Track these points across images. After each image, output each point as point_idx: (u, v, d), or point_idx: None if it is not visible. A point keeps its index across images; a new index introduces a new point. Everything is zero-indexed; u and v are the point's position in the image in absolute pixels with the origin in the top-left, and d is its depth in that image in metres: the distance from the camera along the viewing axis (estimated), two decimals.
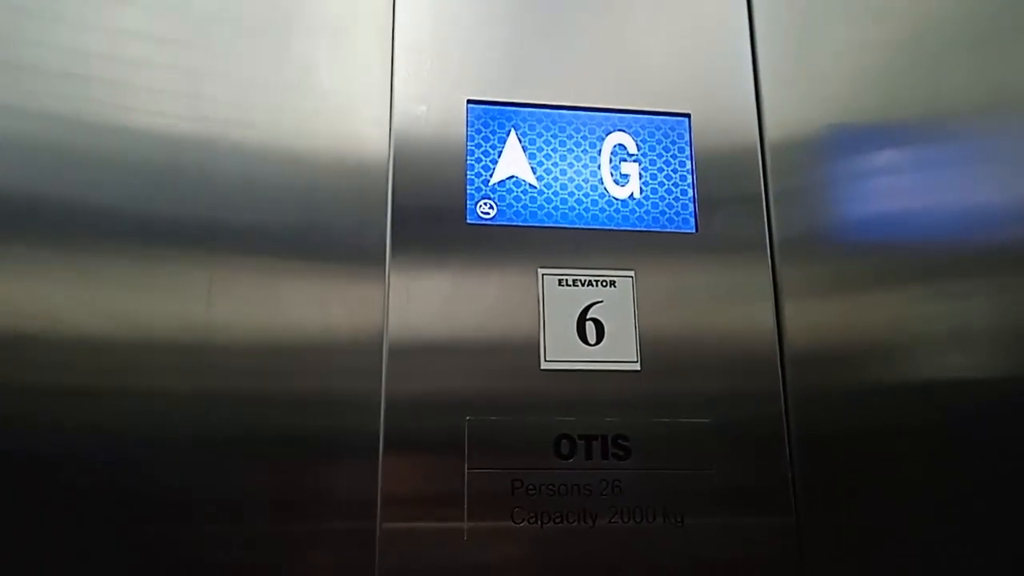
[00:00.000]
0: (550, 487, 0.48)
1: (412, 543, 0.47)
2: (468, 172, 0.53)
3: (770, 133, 0.58)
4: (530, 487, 0.48)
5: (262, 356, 0.49)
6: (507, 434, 0.49)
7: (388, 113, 0.54)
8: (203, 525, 0.47)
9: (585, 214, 0.54)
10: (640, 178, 0.55)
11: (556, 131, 0.55)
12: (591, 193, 0.54)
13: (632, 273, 0.53)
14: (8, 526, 0.45)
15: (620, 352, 0.51)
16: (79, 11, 0.53)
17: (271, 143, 0.53)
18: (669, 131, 0.56)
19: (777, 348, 0.53)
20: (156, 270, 0.49)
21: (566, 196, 0.54)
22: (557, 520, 0.48)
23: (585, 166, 0.55)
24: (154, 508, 0.46)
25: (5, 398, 0.46)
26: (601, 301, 0.52)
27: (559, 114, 0.55)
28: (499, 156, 0.54)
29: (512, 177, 0.54)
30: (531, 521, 0.48)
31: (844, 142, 0.59)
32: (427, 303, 0.51)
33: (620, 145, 0.55)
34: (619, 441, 0.50)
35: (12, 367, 0.47)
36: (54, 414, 0.46)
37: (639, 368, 0.51)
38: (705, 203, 0.55)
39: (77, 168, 0.50)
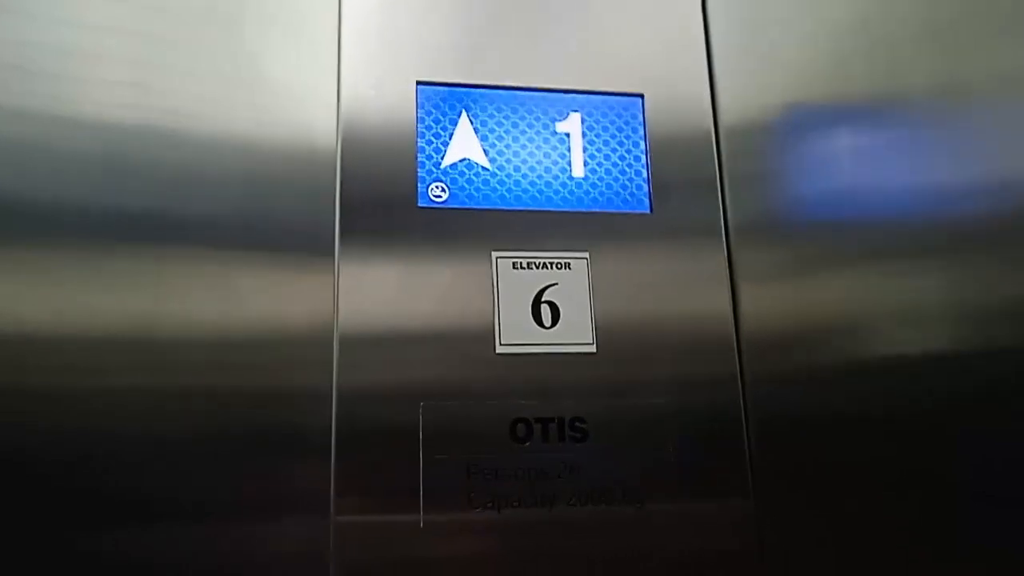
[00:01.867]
0: (507, 471, 0.48)
1: (367, 534, 0.46)
2: (419, 155, 0.52)
3: (724, 114, 0.58)
4: (487, 472, 0.47)
5: (212, 350, 0.48)
6: (462, 420, 0.48)
7: (336, 98, 0.53)
8: (154, 522, 0.45)
9: (539, 196, 0.53)
10: (594, 159, 0.54)
11: (508, 112, 0.54)
12: (545, 175, 0.53)
13: (587, 255, 0.52)
14: None
15: (575, 335, 0.51)
16: (25, 3, 0.51)
17: (219, 132, 0.51)
18: (622, 111, 0.56)
19: (733, 330, 0.53)
20: (102, 264, 0.48)
21: (519, 178, 0.53)
22: (515, 505, 0.47)
23: (538, 147, 0.54)
24: (104, 506, 0.45)
25: None
26: (556, 284, 0.51)
27: (511, 95, 0.54)
28: (450, 138, 0.53)
29: (464, 160, 0.53)
30: (488, 507, 0.47)
31: (798, 123, 0.59)
32: (378, 290, 0.50)
33: (573, 126, 0.55)
34: (576, 423, 0.49)
35: None
36: None
37: (595, 351, 0.51)
38: (659, 183, 0.55)
39: (20, 161, 0.48)
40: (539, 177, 0.53)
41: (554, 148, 0.54)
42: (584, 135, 0.55)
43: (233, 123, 0.52)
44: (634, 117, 0.56)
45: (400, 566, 0.46)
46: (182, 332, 0.48)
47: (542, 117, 0.55)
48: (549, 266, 0.52)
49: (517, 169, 0.53)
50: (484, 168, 0.53)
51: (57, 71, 0.50)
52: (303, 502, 0.47)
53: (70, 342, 0.46)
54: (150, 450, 0.46)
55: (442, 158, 0.52)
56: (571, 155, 0.54)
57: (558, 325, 0.51)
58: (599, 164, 0.54)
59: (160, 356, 0.47)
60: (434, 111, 0.53)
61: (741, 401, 0.52)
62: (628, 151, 0.55)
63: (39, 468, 0.44)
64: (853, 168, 0.59)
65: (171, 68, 0.52)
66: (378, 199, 0.51)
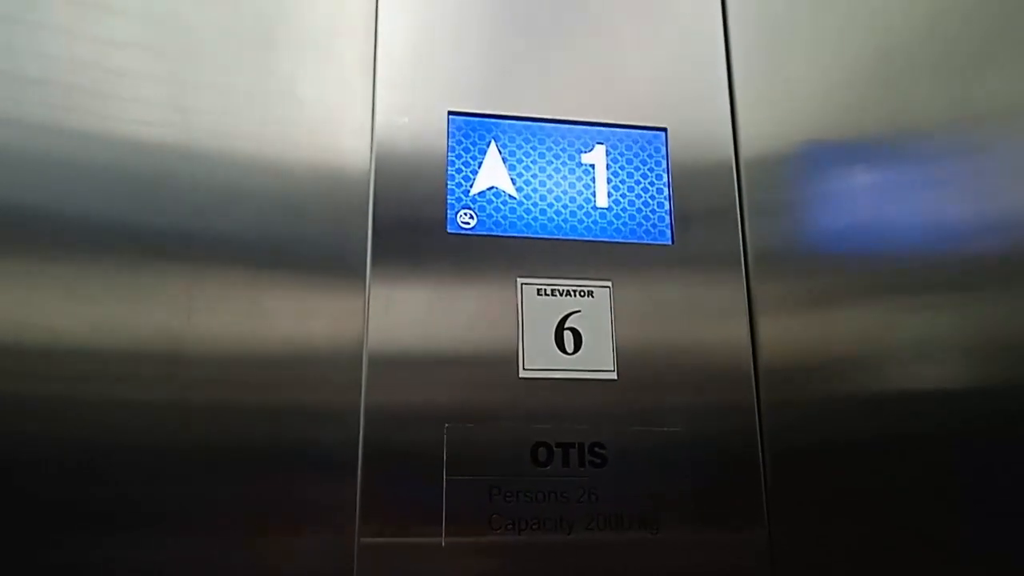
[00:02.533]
0: (528, 494, 0.49)
1: (390, 552, 0.47)
2: (449, 182, 0.54)
3: (745, 148, 0.59)
4: (508, 494, 0.48)
5: (242, 367, 0.49)
6: (485, 442, 0.49)
7: (370, 123, 0.54)
8: (180, 537, 0.46)
9: (564, 225, 0.54)
10: (618, 190, 0.56)
11: (536, 143, 0.56)
12: (570, 204, 0.55)
13: (609, 283, 0.54)
14: None
15: (597, 361, 0.52)
16: (65, 19, 0.53)
17: (254, 153, 0.53)
18: (646, 145, 0.57)
19: (751, 360, 0.54)
20: (136, 279, 0.49)
21: (545, 207, 0.55)
22: (534, 527, 0.48)
23: (564, 178, 0.55)
24: (131, 519, 0.46)
25: None
26: (579, 311, 0.53)
27: (539, 126, 0.56)
28: (479, 167, 0.54)
29: (492, 188, 0.54)
30: (508, 528, 0.48)
31: (817, 158, 0.60)
32: (407, 312, 0.51)
33: (598, 157, 0.56)
34: (595, 449, 0.50)
35: None
36: (30, 423, 0.46)
37: (615, 377, 0.52)
38: (681, 216, 0.56)
39: (58, 177, 0.50)
40: (564, 206, 0.55)
41: (579, 179, 0.56)
42: (608, 167, 0.56)
43: (266, 144, 0.53)
44: (657, 150, 0.57)
45: None
46: (213, 348, 0.49)
47: (568, 148, 0.56)
48: (572, 293, 0.53)
49: (543, 198, 0.55)
50: (511, 196, 0.54)
51: (93, 88, 0.52)
52: (328, 520, 0.48)
53: (103, 355, 0.48)
54: (176, 464, 0.47)
55: (471, 186, 0.54)
56: (596, 186, 0.56)
57: (580, 351, 0.52)
58: (623, 195, 0.56)
59: (188, 372, 0.48)
60: (464, 140, 0.55)
61: (757, 430, 0.53)
62: (651, 183, 0.57)
63: (67, 478, 0.46)
64: (871, 202, 0.60)
65: (206, 88, 0.53)
66: (409, 224, 0.53)
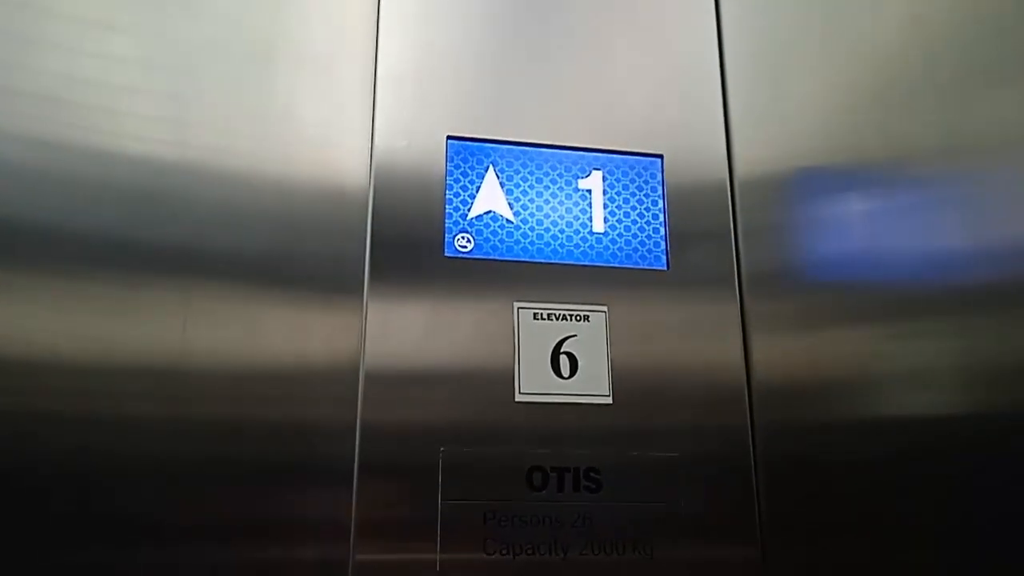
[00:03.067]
0: (522, 519, 0.49)
1: (385, 570, 0.47)
2: (447, 206, 0.54)
3: (740, 174, 0.60)
4: (503, 519, 0.49)
5: (237, 383, 0.49)
6: (480, 465, 0.49)
7: (369, 145, 0.55)
8: (175, 552, 0.46)
9: (560, 250, 0.55)
10: (614, 215, 0.57)
11: (533, 168, 0.56)
12: (566, 229, 0.56)
13: (605, 308, 0.54)
14: None
15: (592, 385, 0.52)
16: (65, 36, 0.53)
17: (252, 171, 0.53)
18: (643, 171, 0.58)
19: (745, 383, 0.55)
20: (133, 295, 0.49)
21: (542, 232, 0.55)
22: (529, 552, 0.49)
23: (561, 203, 0.56)
24: (126, 534, 0.46)
25: None
26: (575, 335, 0.53)
27: (537, 152, 0.57)
28: (477, 191, 0.55)
29: (490, 212, 0.55)
30: (503, 553, 0.48)
31: (812, 183, 0.61)
32: (404, 333, 0.51)
33: (595, 183, 0.57)
34: (590, 474, 0.51)
35: None
36: (26, 438, 0.46)
37: (611, 401, 0.52)
38: (676, 241, 0.57)
39: (57, 192, 0.50)
40: (561, 231, 0.55)
41: (576, 204, 0.56)
42: (605, 192, 0.57)
43: (266, 163, 0.54)
44: (653, 176, 0.58)
45: None
46: (209, 364, 0.49)
47: (565, 174, 0.57)
48: (569, 317, 0.53)
49: (540, 223, 0.55)
50: (509, 221, 0.55)
51: (96, 105, 0.52)
52: (323, 537, 0.48)
53: (99, 371, 0.48)
54: (172, 480, 0.47)
55: (468, 210, 0.55)
56: (592, 211, 0.56)
57: (576, 376, 0.52)
58: (619, 221, 0.56)
59: (186, 387, 0.49)
60: (463, 164, 0.55)
61: (751, 452, 0.54)
62: (647, 209, 0.57)
63: (63, 492, 0.46)
64: (865, 227, 0.61)
65: (205, 105, 0.54)
66: (407, 245, 0.53)
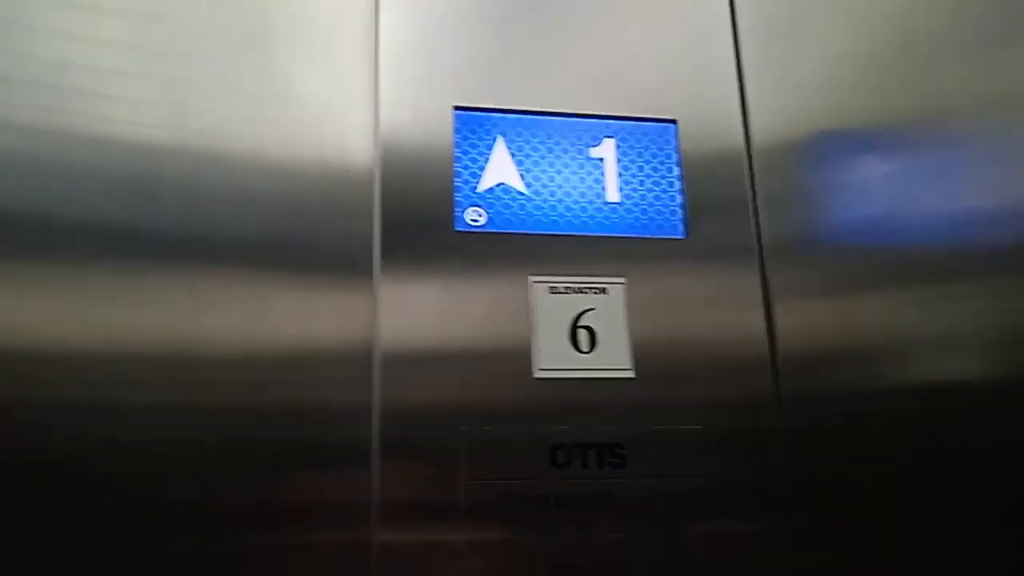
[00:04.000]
0: (547, 497, 0.48)
1: (408, 556, 0.46)
2: (455, 179, 0.52)
3: (756, 138, 0.58)
4: (526, 497, 0.47)
5: (248, 368, 0.48)
6: (502, 444, 0.48)
7: (373, 121, 0.53)
8: (191, 539, 0.45)
9: (575, 221, 0.53)
10: (628, 184, 0.55)
11: (544, 137, 0.55)
12: (580, 200, 0.54)
13: (623, 280, 0.53)
14: None
15: (613, 359, 0.51)
16: (59, 21, 0.51)
17: (254, 153, 0.52)
18: (656, 137, 0.56)
19: (769, 352, 0.53)
20: (139, 283, 0.48)
21: (555, 203, 0.53)
22: (554, 530, 0.47)
23: (574, 172, 0.54)
24: (140, 522, 0.45)
25: None
26: (593, 308, 0.51)
27: (547, 120, 0.55)
28: (487, 163, 0.53)
29: (500, 184, 0.53)
30: (528, 532, 0.47)
31: (830, 146, 0.60)
32: (418, 312, 0.50)
33: (608, 151, 0.55)
34: (615, 449, 0.49)
35: None
36: (34, 430, 0.45)
37: (633, 375, 0.51)
38: (693, 208, 0.55)
39: (57, 180, 0.49)
40: (575, 202, 0.54)
41: (589, 173, 0.55)
42: (619, 160, 0.55)
43: (267, 144, 0.52)
44: (668, 142, 0.56)
45: None
46: (218, 350, 0.48)
47: (577, 142, 0.55)
48: (586, 290, 0.52)
49: (553, 194, 0.54)
50: (520, 193, 0.53)
51: (91, 90, 0.51)
52: (344, 521, 0.47)
53: (106, 360, 0.47)
54: (188, 467, 0.46)
55: (478, 183, 0.53)
56: (606, 180, 0.55)
57: (596, 349, 0.51)
58: (634, 189, 0.55)
59: (196, 374, 0.47)
60: (471, 136, 0.54)
61: (779, 422, 0.52)
62: (662, 176, 0.55)
63: (70, 483, 0.45)
64: (887, 191, 0.59)
65: (205, 89, 0.52)
66: (416, 222, 0.51)
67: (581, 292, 0.52)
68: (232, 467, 0.46)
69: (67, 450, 0.45)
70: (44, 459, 0.45)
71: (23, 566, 0.44)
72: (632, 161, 0.55)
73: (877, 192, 0.59)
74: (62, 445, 0.45)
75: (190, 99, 0.52)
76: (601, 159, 0.55)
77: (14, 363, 0.46)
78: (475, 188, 0.53)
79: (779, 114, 0.59)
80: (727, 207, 0.56)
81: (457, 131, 0.53)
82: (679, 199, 0.55)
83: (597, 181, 0.54)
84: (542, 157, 0.54)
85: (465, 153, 0.53)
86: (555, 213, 0.53)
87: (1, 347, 0.46)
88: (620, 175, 0.55)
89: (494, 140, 0.54)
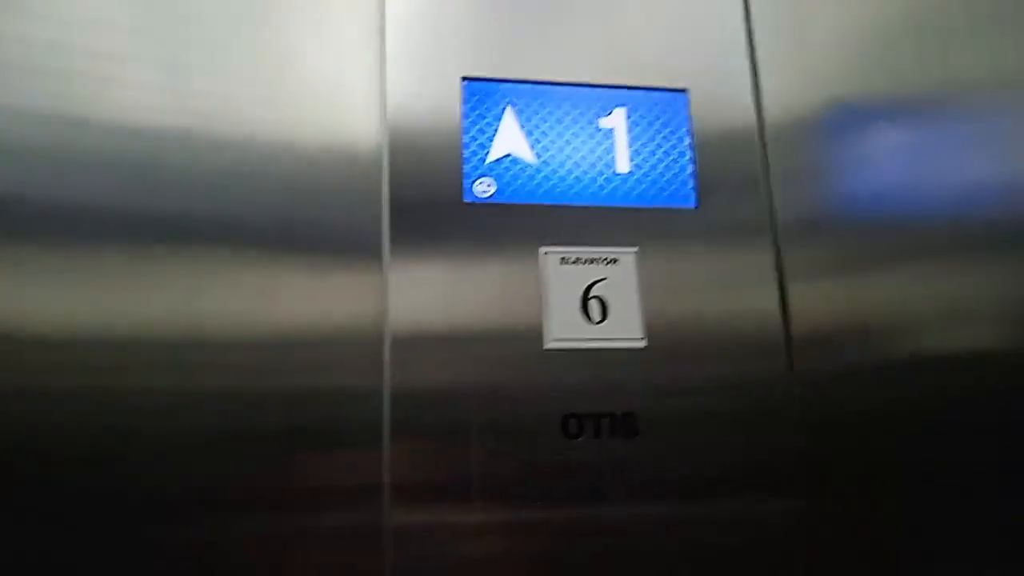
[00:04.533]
0: (559, 469, 0.47)
1: (422, 532, 0.46)
2: (464, 151, 0.52)
3: (769, 108, 0.57)
4: (539, 470, 0.47)
5: (255, 351, 0.48)
6: (514, 416, 0.48)
7: (380, 93, 0.53)
8: (203, 525, 0.45)
9: (585, 191, 0.53)
10: (639, 154, 0.54)
11: (553, 107, 0.54)
12: (590, 170, 0.53)
13: (634, 250, 0.52)
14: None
15: (625, 329, 0.50)
16: (55, 5, 0.51)
17: (257, 133, 0.51)
18: (667, 107, 0.55)
19: (782, 325, 0.53)
20: (143, 266, 0.47)
21: (565, 173, 0.53)
22: (567, 501, 0.47)
23: (584, 142, 0.54)
24: (152, 506, 0.45)
25: None
26: (604, 278, 0.51)
27: (556, 90, 0.54)
28: (495, 133, 0.53)
29: (509, 155, 0.53)
30: (541, 503, 0.47)
31: (844, 118, 0.59)
32: (427, 287, 0.49)
33: (618, 121, 0.54)
34: (627, 419, 0.49)
35: None
36: (46, 414, 0.45)
37: (644, 346, 0.50)
38: (705, 178, 0.54)
39: (59, 165, 0.48)
40: (585, 172, 0.53)
41: (599, 143, 0.54)
42: (629, 130, 0.54)
43: (272, 124, 0.51)
44: (679, 112, 0.55)
45: (454, 562, 0.46)
46: (225, 334, 0.48)
47: (587, 112, 0.54)
48: (597, 261, 0.51)
49: (563, 164, 0.53)
50: (530, 163, 0.53)
51: (92, 75, 0.50)
52: (356, 501, 0.46)
53: (113, 344, 0.46)
54: (199, 449, 0.46)
55: (487, 154, 0.52)
56: (616, 150, 0.54)
57: (607, 320, 0.50)
58: (645, 160, 0.54)
59: (203, 357, 0.47)
60: (479, 106, 0.53)
61: (791, 398, 0.52)
62: (673, 146, 0.55)
63: (81, 467, 0.44)
64: (902, 164, 0.58)
65: (207, 70, 0.52)
66: (425, 195, 0.51)
67: (592, 263, 0.51)
68: (243, 449, 0.46)
69: (75, 437, 0.45)
70: (54, 442, 0.44)
71: (34, 545, 0.44)
72: (643, 131, 0.55)
73: (892, 165, 0.58)
74: (73, 428, 0.45)
75: (191, 81, 0.51)
76: (611, 129, 0.54)
77: (11, 348, 0.45)
78: (484, 159, 0.52)
79: (792, 84, 0.58)
80: (739, 177, 0.55)
81: (465, 101, 0.53)
82: (691, 168, 0.54)
83: (607, 151, 0.54)
84: (552, 127, 0.53)
85: (474, 124, 0.52)
86: (565, 184, 0.53)
87: (10, 332, 0.45)
88: (631, 144, 0.54)
89: (503, 110, 0.53)
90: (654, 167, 0.54)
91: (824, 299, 0.55)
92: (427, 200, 0.51)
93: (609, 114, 0.55)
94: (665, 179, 0.54)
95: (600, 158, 0.54)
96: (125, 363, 0.46)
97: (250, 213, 0.50)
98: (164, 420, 0.46)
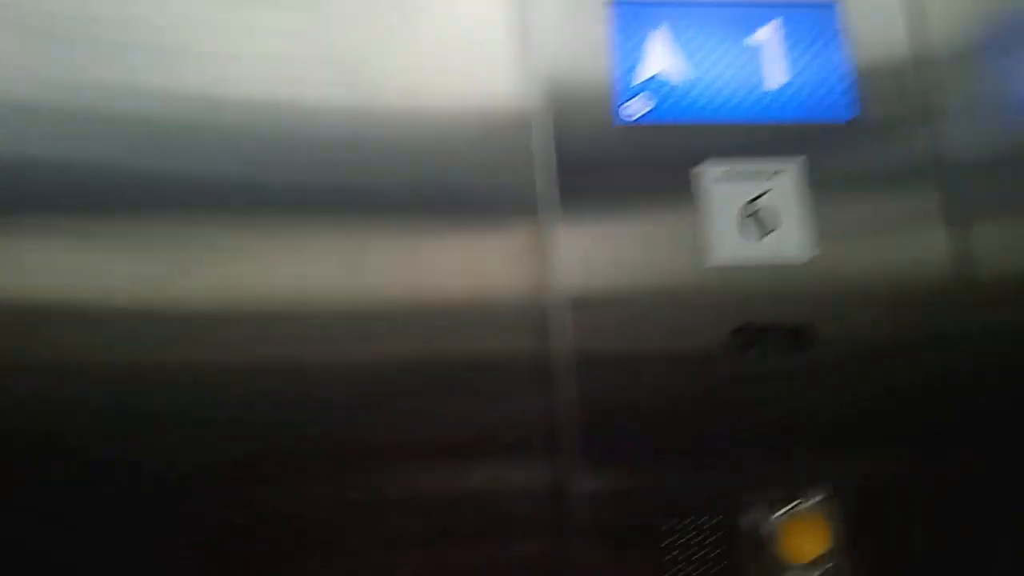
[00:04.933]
0: (730, 379, 0.47)
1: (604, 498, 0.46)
2: (615, 73, 0.52)
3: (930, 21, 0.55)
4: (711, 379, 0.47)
5: (416, 320, 0.47)
6: (682, 333, 0.48)
7: (521, 39, 0.52)
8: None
9: (740, 108, 0.52)
10: (792, 69, 0.53)
11: (703, 26, 0.53)
12: (744, 87, 0.52)
13: (793, 164, 0.51)
14: (50, 507, 0.44)
15: (789, 244, 0.50)
16: None
17: (406, 102, 0.50)
18: (818, 20, 0.54)
19: (945, 229, 0.51)
20: (305, 241, 0.48)
21: (717, 92, 0.52)
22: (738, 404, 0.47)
23: (735, 59, 0.53)
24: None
25: (79, 374, 0.45)
26: (765, 193, 0.50)
27: (705, 8, 0.53)
28: (646, 56, 0.52)
29: (660, 75, 0.52)
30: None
31: (1013, 33, 0.55)
32: (587, 207, 0.49)
33: (769, 36, 0.53)
34: (799, 333, 0.48)
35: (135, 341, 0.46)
36: (148, 386, 0.46)
37: (809, 259, 0.49)
38: (862, 90, 0.53)
39: (193, 142, 0.48)
40: (738, 89, 0.52)
41: (751, 59, 0.53)
42: (780, 45, 0.53)
43: (419, 89, 0.50)
44: (830, 25, 0.54)
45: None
46: (385, 304, 0.48)
47: (736, 29, 0.53)
48: (756, 177, 0.51)
49: (715, 82, 0.52)
50: (682, 83, 0.52)
51: (212, 51, 0.49)
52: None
53: (264, 317, 0.47)
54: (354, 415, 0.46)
55: (639, 76, 0.52)
56: (768, 66, 0.53)
57: (771, 235, 0.50)
58: (798, 74, 0.53)
59: (362, 327, 0.47)
60: (628, 28, 0.53)
61: (960, 315, 0.50)
62: (827, 60, 0.53)
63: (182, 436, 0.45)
64: None
65: (349, 42, 0.51)
66: (578, 128, 0.50)
67: (752, 178, 0.51)
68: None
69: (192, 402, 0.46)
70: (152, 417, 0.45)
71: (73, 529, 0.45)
72: (794, 45, 0.53)
73: None
74: (201, 397, 0.46)
75: (331, 55, 0.50)
76: (762, 44, 0.53)
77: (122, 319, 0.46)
78: (634, 81, 0.52)
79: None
80: (896, 89, 0.53)
81: (614, 25, 0.52)
82: (846, 81, 0.53)
83: (759, 67, 0.53)
84: (702, 45, 0.53)
85: (623, 47, 0.52)
86: (719, 101, 0.52)
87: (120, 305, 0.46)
88: (782, 60, 0.53)
89: (653, 31, 0.53)
90: (808, 81, 0.53)
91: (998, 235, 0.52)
92: (580, 126, 0.50)
93: (759, 30, 0.53)
94: (820, 93, 0.53)
95: (752, 74, 0.53)
96: (298, 333, 0.46)
97: (402, 181, 0.49)
98: (310, 392, 0.46)
